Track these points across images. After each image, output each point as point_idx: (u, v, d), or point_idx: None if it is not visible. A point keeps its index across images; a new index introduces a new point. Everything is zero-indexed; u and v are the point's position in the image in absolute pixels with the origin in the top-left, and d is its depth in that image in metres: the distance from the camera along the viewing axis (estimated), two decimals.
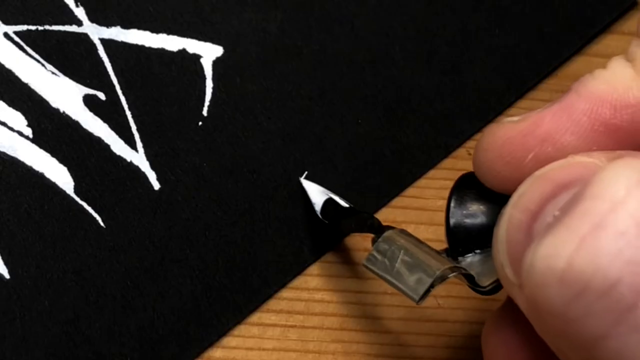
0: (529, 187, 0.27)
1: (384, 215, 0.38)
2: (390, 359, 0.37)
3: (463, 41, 0.39)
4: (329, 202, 0.36)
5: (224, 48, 0.38)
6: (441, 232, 0.31)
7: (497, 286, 0.30)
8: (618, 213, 0.24)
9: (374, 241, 0.32)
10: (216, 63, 0.38)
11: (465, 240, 0.31)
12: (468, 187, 0.31)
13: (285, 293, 0.37)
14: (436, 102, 0.39)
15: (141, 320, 0.35)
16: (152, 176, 0.37)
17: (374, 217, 0.35)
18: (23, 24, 0.37)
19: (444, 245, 0.31)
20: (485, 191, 0.30)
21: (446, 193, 0.38)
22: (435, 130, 0.39)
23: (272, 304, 0.37)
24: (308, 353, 0.36)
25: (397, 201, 0.38)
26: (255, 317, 0.36)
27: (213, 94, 0.38)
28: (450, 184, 0.38)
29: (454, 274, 0.30)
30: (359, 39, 0.39)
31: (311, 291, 0.37)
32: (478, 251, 0.31)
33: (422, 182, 0.38)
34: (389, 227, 0.33)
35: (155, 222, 0.36)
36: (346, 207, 0.36)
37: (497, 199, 0.30)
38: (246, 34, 0.38)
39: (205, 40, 0.38)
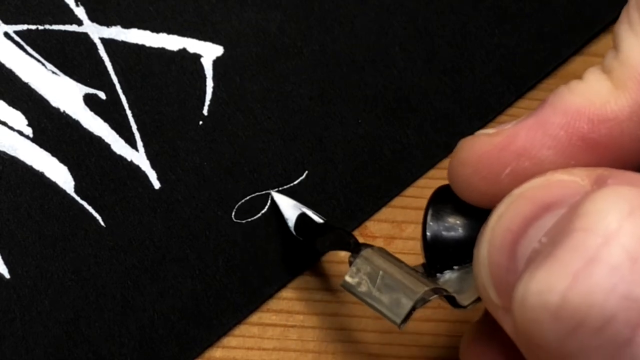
0: (508, 206, 0.26)
1: (384, 215, 0.38)
2: (390, 359, 0.37)
3: (463, 41, 0.39)
4: (302, 218, 0.35)
5: (224, 48, 0.38)
6: None
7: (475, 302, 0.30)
8: (611, 247, 0.23)
9: (351, 260, 0.32)
10: (216, 63, 0.38)
11: (443, 254, 0.30)
12: (444, 200, 0.30)
13: (285, 293, 0.37)
14: (436, 102, 0.39)
15: (141, 320, 0.35)
16: (152, 175, 0.37)
17: (350, 234, 0.34)
18: (23, 23, 0.37)
19: None
20: (462, 204, 0.30)
21: None
22: (435, 130, 0.39)
23: (272, 304, 0.37)
24: (308, 353, 0.36)
25: (397, 201, 0.38)
26: (255, 317, 0.36)
27: (213, 93, 0.38)
28: None
29: (436, 295, 0.29)
30: (359, 39, 0.39)
31: (311, 291, 0.37)
32: (456, 267, 0.30)
33: (422, 182, 0.38)
34: (366, 245, 0.32)
35: (156, 222, 0.36)
36: (321, 223, 0.35)
37: (474, 213, 0.29)
38: (246, 34, 0.38)
39: (206, 40, 0.38)
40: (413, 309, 0.29)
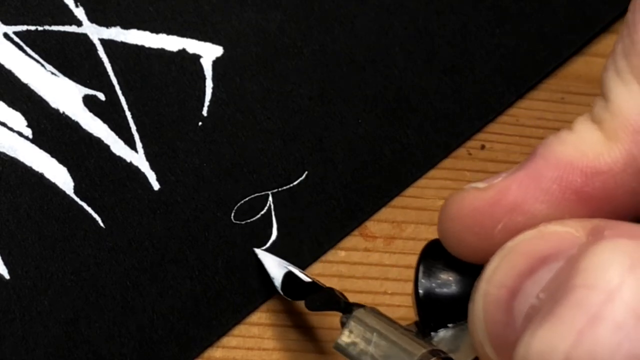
0: (502, 260, 0.26)
1: (384, 215, 0.38)
2: None
3: (463, 41, 0.39)
4: (289, 276, 0.35)
5: (224, 48, 0.38)
6: None
7: None
8: (614, 304, 0.22)
9: (342, 321, 0.31)
10: (216, 63, 0.38)
11: (437, 312, 0.29)
12: (435, 256, 0.29)
13: None
14: (436, 102, 0.39)
15: (141, 320, 0.35)
16: (151, 176, 0.37)
17: (340, 293, 0.33)
18: (23, 24, 0.37)
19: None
20: (454, 260, 0.29)
21: (446, 193, 0.38)
22: (435, 130, 0.39)
23: (272, 304, 0.37)
24: (308, 353, 0.36)
25: (397, 201, 0.38)
26: (255, 317, 0.36)
27: (213, 94, 0.38)
28: (451, 184, 0.38)
29: (434, 358, 0.29)
30: (359, 39, 0.39)
31: None
32: (450, 325, 0.29)
33: (422, 182, 0.38)
34: (357, 305, 0.31)
35: (155, 223, 0.36)
36: (308, 282, 0.34)
37: (467, 268, 0.28)
38: (246, 34, 0.38)
39: (205, 40, 0.38)
40: None
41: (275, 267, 0.35)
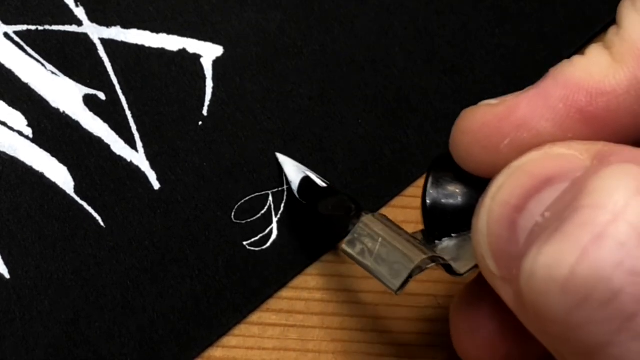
0: (507, 178, 0.27)
1: None
2: (390, 359, 0.37)
3: (463, 41, 0.39)
4: (306, 181, 0.36)
5: (224, 48, 0.38)
6: None
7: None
8: (618, 223, 0.24)
9: (351, 225, 0.32)
10: (216, 63, 0.38)
11: (442, 222, 0.31)
12: (444, 168, 0.31)
13: (285, 293, 0.37)
14: (436, 102, 0.39)
15: (141, 320, 0.35)
16: (152, 176, 0.37)
17: (352, 199, 0.35)
18: (23, 24, 0.37)
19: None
20: (462, 173, 0.30)
21: None
22: (435, 130, 0.39)
23: (272, 303, 0.37)
24: (308, 353, 0.36)
25: (397, 201, 0.38)
26: (255, 317, 0.36)
27: (213, 93, 0.38)
28: None
29: (433, 264, 0.30)
30: (359, 39, 0.39)
31: (311, 291, 0.37)
32: (454, 235, 0.31)
33: (422, 182, 0.38)
34: (367, 211, 0.33)
35: (155, 222, 0.36)
36: (324, 187, 0.35)
37: (474, 181, 0.30)
38: (246, 34, 0.38)
39: (205, 40, 0.38)
40: (410, 276, 0.30)
41: (294, 172, 0.36)
